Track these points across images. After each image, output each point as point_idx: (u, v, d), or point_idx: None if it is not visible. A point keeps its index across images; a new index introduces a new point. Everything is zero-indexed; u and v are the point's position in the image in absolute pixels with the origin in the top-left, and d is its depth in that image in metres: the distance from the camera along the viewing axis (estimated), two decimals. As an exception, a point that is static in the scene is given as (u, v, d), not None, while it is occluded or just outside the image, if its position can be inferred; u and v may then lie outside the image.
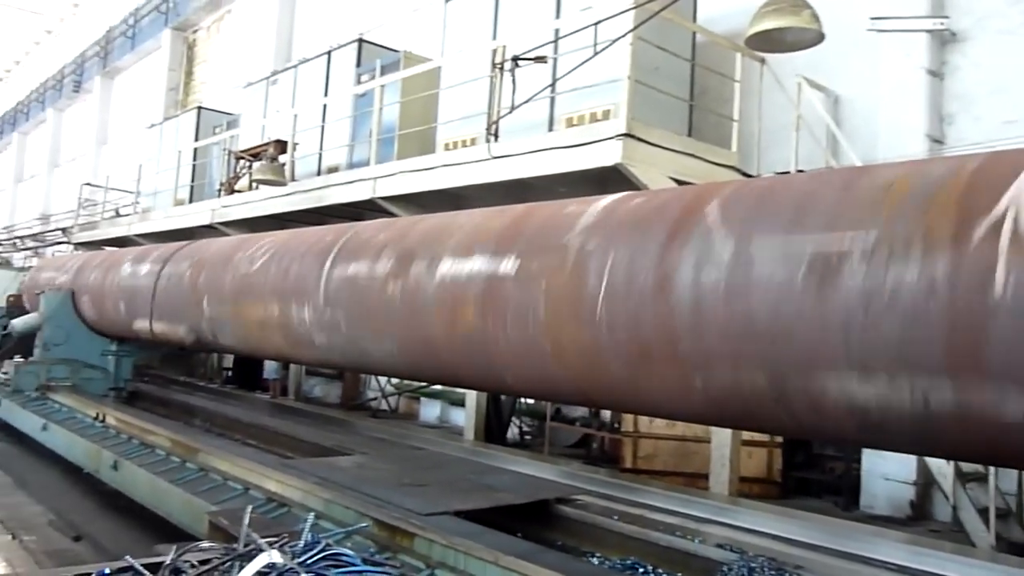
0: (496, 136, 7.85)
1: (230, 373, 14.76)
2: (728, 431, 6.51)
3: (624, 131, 6.70)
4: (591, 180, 6.99)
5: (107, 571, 2.45)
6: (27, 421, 9.67)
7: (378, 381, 13.28)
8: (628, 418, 8.78)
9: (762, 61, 8.29)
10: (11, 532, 5.52)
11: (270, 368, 13.93)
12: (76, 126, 32.73)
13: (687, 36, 8.26)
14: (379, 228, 5.55)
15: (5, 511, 6.24)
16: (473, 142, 8.57)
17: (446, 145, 8.95)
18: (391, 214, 8.86)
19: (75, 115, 33.36)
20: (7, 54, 40.60)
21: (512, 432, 10.67)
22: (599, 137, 6.84)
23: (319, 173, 11.09)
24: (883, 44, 8.10)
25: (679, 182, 6.74)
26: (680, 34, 8.08)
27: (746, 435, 7.38)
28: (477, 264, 4.16)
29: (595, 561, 4.29)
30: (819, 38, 5.48)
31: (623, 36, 6.51)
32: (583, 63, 6.71)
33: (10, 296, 13.69)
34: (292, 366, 12.72)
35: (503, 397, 9.88)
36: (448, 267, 4.34)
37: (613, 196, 3.93)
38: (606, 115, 7.33)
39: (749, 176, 7.55)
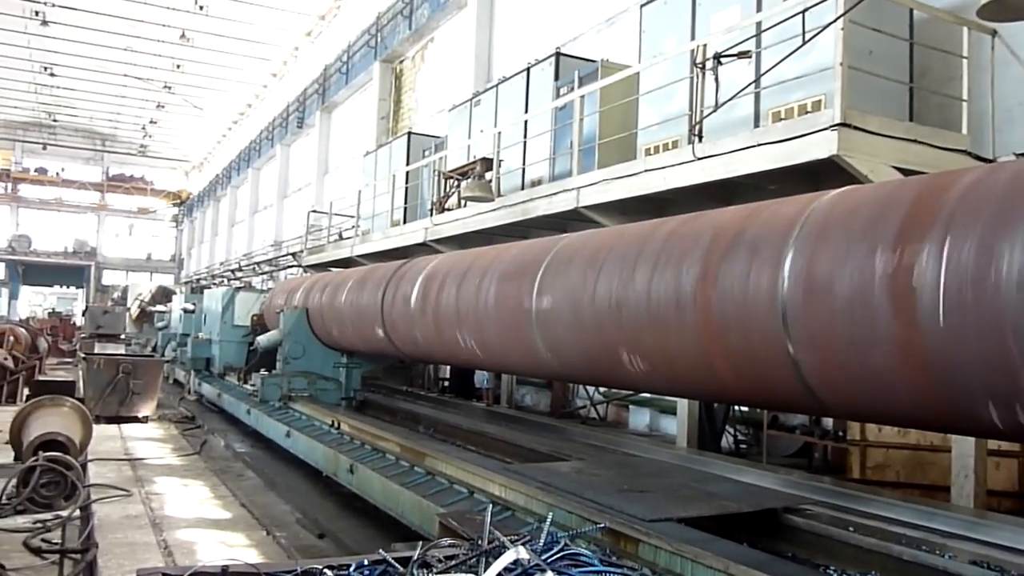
0: (700, 137, 7.71)
1: (447, 382, 15.51)
2: (971, 439, 5.95)
3: (839, 120, 6.35)
4: (802, 176, 6.67)
5: (365, 562, 2.66)
6: (273, 428, 10.72)
7: (586, 390, 13.38)
8: (854, 425, 8.25)
9: (993, 33, 7.55)
10: (265, 528, 6.10)
11: (482, 377, 14.48)
12: (301, 159, 35.89)
13: (903, 15, 7.69)
14: (586, 240, 5.65)
15: (259, 509, 6.91)
16: (675, 145, 8.45)
17: (647, 150, 8.89)
18: (595, 223, 8.93)
19: (300, 149, 36.63)
20: (242, 99, 45.24)
21: (726, 440, 10.37)
22: (811, 129, 6.52)
23: (523, 187, 11.39)
24: None
25: (904, 172, 6.28)
26: (896, 13, 7.54)
27: (992, 444, 6.69)
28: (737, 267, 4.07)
29: (833, 574, 4.08)
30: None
31: (834, 21, 6.18)
32: (791, 54, 6.43)
33: (254, 315, 15.25)
34: (504, 375, 13.13)
35: (715, 404, 9.63)
36: (684, 274, 4.33)
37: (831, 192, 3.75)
38: (816, 106, 6.98)
39: (985, 160, 6.89)
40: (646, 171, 8.26)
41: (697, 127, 7.72)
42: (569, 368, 5.67)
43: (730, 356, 3.97)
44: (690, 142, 7.77)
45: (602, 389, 13.42)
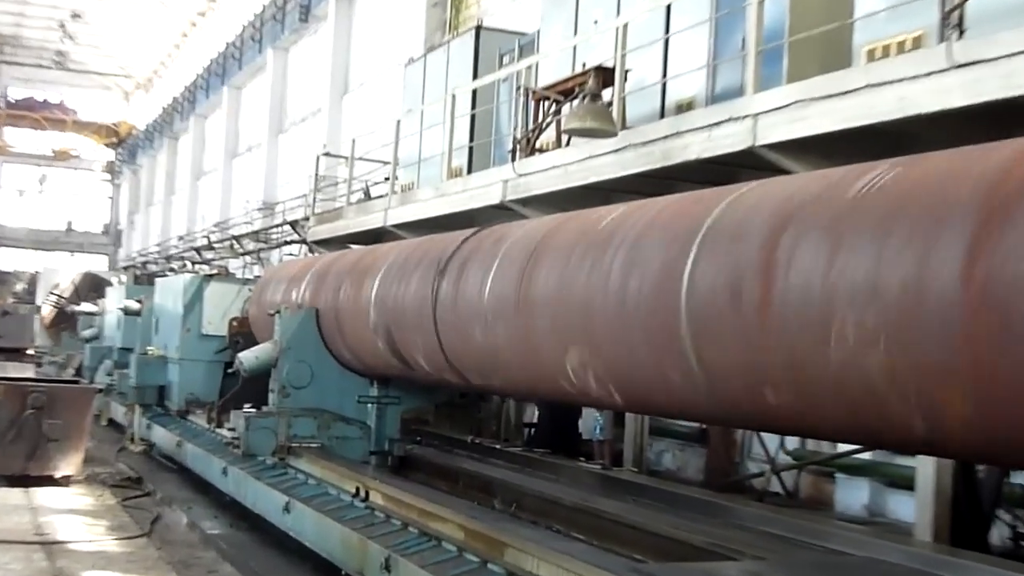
0: (960, 30, 7.56)
1: (534, 429, 15.62)
2: None
3: None
4: None
5: None
6: (264, 498, 10.92)
7: (765, 447, 13.28)
8: None
9: None
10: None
11: (593, 424, 14.49)
12: (305, 71, 36.49)
13: None
14: (779, 188, 5.62)
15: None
16: (916, 44, 8.32)
17: (870, 52, 8.77)
18: (780, 171, 8.84)
19: (304, 55, 37.17)
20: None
21: (998, 532, 10.16)
22: None
23: (662, 115, 11.33)
24: None
25: None
26: None
27: None
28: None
29: None
30: None
31: None
32: None
33: (233, 319, 15.60)
34: (629, 422, 13.13)
35: (980, 474, 9.44)
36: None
37: None
38: None
39: None
40: (868, 87, 8.14)
41: (955, 13, 7.57)
42: (741, 405, 5.64)
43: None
44: (943, 38, 7.62)
45: (791, 445, 13.28)
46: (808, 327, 4.86)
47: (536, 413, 16.14)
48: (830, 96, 8.52)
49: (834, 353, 4.70)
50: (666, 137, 10.40)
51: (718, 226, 5.75)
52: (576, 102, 11.47)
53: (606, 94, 11.40)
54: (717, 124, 9.72)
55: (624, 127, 11.26)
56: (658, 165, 10.44)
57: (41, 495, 12.18)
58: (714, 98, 10.71)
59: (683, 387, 5.95)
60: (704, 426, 14.33)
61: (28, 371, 23.72)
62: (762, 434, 13.02)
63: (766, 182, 6.26)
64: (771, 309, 5.08)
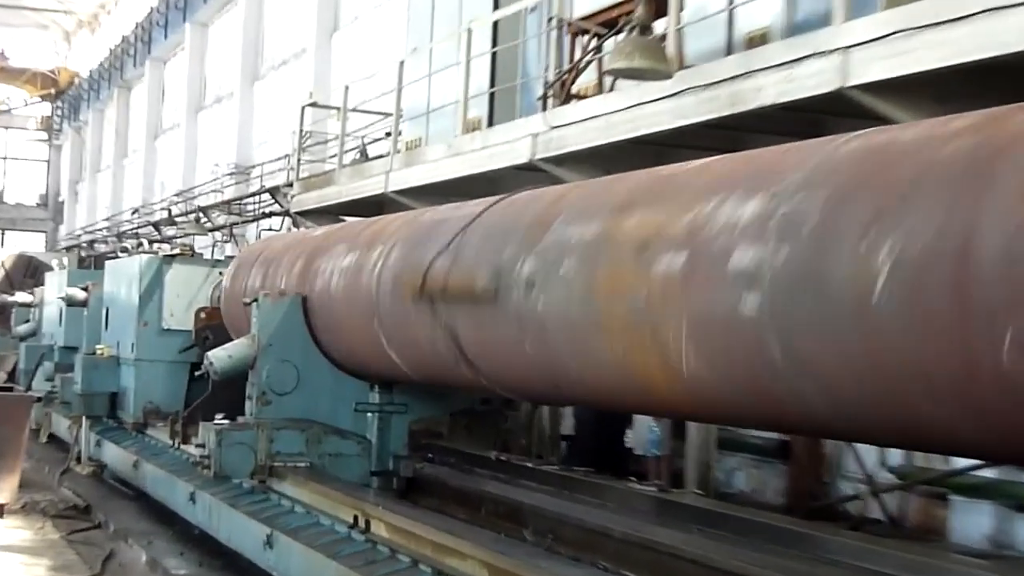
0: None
1: (570, 441, 15.56)
2: None
3: None
4: None
5: None
6: (241, 531, 10.95)
7: (861, 463, 13.23)
8: None
9: None
10: None
11: (646, 436, 14.45)
12: (286, 5, 36.50)
13: None
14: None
15: None
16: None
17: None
18: (879, 120, 8.78)
19: (283, -13, 37.19)
20: None
21: None
22: None
23: (729, 51, 11.28)
24: None
25: None
26: None
27: None
28: None
29: None
30: None
31: None
32: None
33: (201, 311, 15.63)
34: (693, 434, 13.09)
35: None
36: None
37: None
38: None
39: None
40: (989, 11, 8.07)
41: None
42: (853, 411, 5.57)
43: None
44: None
45: (893, 461, 13.19)
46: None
47: (572, 422, 16.14)
48: (940, 23, 8.46)
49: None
50: (734, 78, 10.37)
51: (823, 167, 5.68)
52: (622, 36, 11.42)
53: (658, 25, 11.36)
54: (798, 61, 9.70)
55: (681, 66, 11.22)
56: (724, 113, 10.43)
57: (-33, 528, 12.26)
58: (793, 29, 10.68)
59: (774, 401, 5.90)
60: (786, 437, 14.28)
61: (-50, 376, 23.86)
62: (857, 447, 12.95)
63: (865, 134, 6.17)
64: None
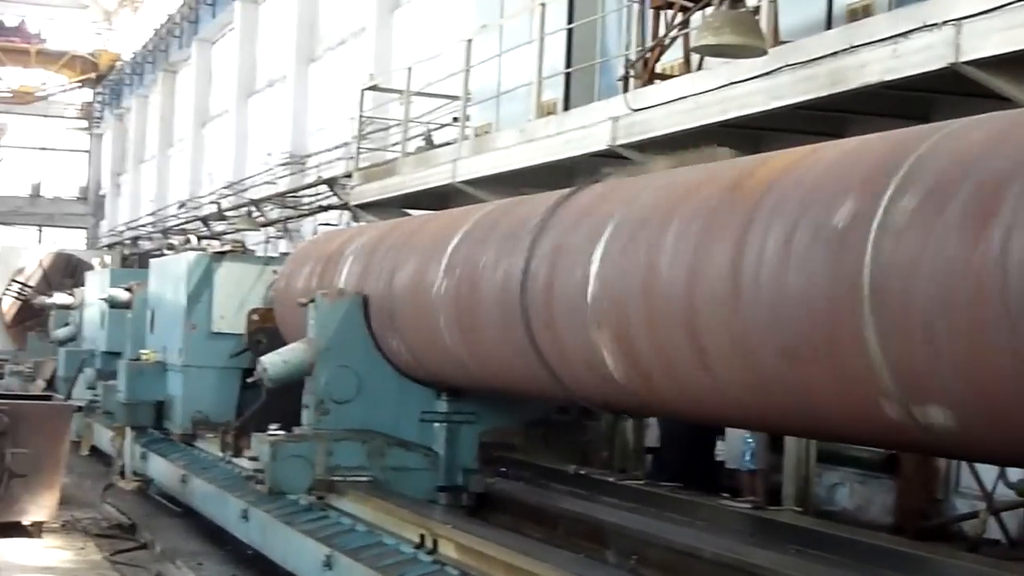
0: None
1: (655, 453, 15.55)
2: None
3: None
4: None
5: None
6: (297, 551, 11.00)
7: (978, 478, 13.11)
8: None
9: None
10: None
11: (739, 448, 14.39)
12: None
13: None
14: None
15: None
16: None
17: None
18: (996, 100, 8.71)
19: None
20: None
21: None
22: None
23: (829, 24, 11.21)
24: None
25: None
26: None
27: None
28: None
29: None
30: None
31: None
32: None
33: (253, 313, 15.73)
34: (791, 446, 13.03)
35: None
36: None
37: None
38: None
39: None
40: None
41: None
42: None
43: None
44: None
45: (1014, 476, 13.06)
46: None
47: (659, 433, 16.10)
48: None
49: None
50: (835, 54, 10.32)
51: (915, 178, 5.63)
52: (710, 10, 11.39)
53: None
54: (905, 34, 9.63)
55: (776, 42, 11.18)
56: (824, 93, 10.38)
57: (3, 548, 12.36)
58: (899, 1, 10.61)
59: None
60: (892, 451, 14.16)
61: (-15, 384, 24.16)
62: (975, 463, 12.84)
63: (984, 119, 6.10)
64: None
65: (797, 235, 6.18)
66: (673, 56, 12.78)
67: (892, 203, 5.57)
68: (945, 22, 9.22)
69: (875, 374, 5.57)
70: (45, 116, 69.14)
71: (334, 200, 28.47)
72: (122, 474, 18.06)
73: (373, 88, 23.22)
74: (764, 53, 10.88)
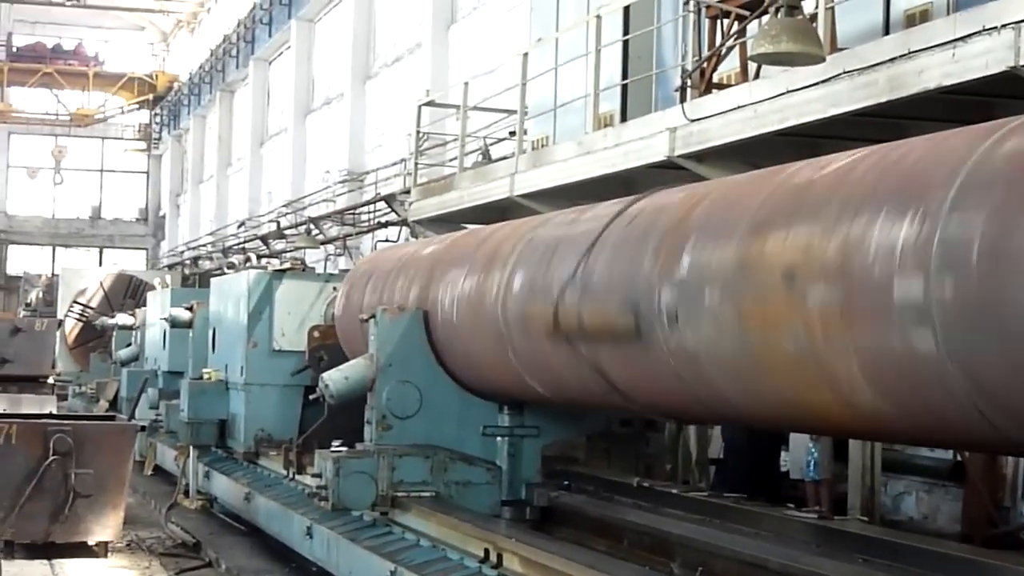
0: None
1: (719, 464, 15.53)
2: None
3: None
4: None
5: None
6: (363, 567, 11.02)
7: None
8: None
9: None
10: None
11: (803, 458, 14.33)
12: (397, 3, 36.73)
13: None
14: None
15: None
16: None
17: None
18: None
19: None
20: None
21: None
22: None
23: (887, 30, 11.16)
24: None
25: None
26: None
27: None
28: None
29: None
30: None
31: None
32: None
33: (314, 330, 15.80)
34: (855, 455, 12.96)
35: None
36: None
37: None
38: None
39: None
40: None
41: None
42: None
43: None
44: None
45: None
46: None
47: (722, 445, 16.06)
48: None
49: None
50: (893, 60, 10.29)
51: (976, 182, 5.59)
52: (767, 17, 11.37)
53: (807, 5, 11.30)
54: (964, 39, 9.59)
55: (834, 49, 11.15)
56: (882, 99, 10.34)
57: (70, 568, 12.42)
58: (959, 3, 10.55)
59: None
60: (958, 457, 14.07)
61: (49, 406, 24.19)
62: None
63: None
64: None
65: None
66: (730, 65, 12.76)
67: None
68: (1004, 25, 9.17)
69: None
70: (104, 138, 69.60)
71: (392, 216, 28.62)
72: (186, 493, 18.12)
73: (430, 104, 23.24)
74: (822, 60, 10.85)
